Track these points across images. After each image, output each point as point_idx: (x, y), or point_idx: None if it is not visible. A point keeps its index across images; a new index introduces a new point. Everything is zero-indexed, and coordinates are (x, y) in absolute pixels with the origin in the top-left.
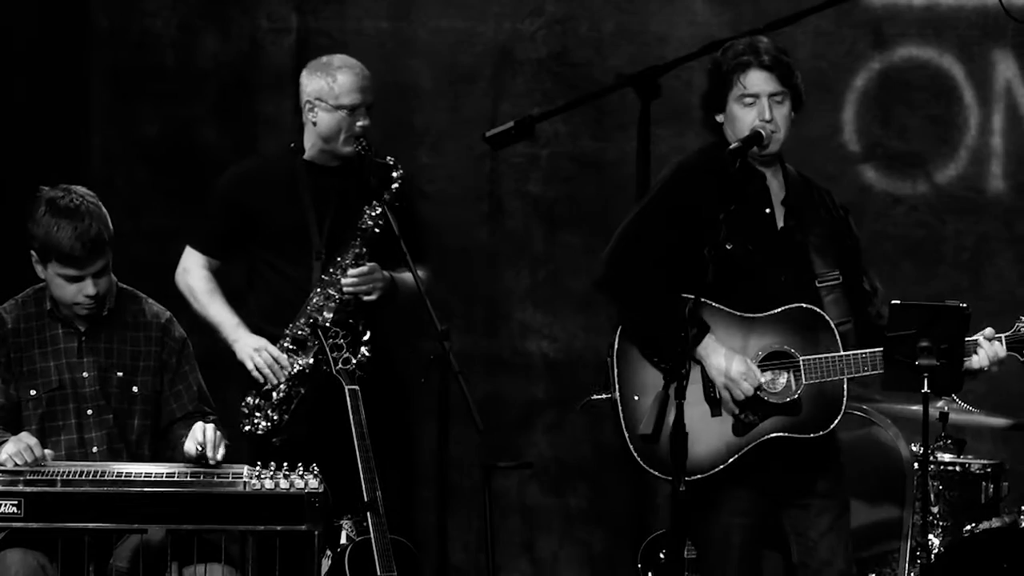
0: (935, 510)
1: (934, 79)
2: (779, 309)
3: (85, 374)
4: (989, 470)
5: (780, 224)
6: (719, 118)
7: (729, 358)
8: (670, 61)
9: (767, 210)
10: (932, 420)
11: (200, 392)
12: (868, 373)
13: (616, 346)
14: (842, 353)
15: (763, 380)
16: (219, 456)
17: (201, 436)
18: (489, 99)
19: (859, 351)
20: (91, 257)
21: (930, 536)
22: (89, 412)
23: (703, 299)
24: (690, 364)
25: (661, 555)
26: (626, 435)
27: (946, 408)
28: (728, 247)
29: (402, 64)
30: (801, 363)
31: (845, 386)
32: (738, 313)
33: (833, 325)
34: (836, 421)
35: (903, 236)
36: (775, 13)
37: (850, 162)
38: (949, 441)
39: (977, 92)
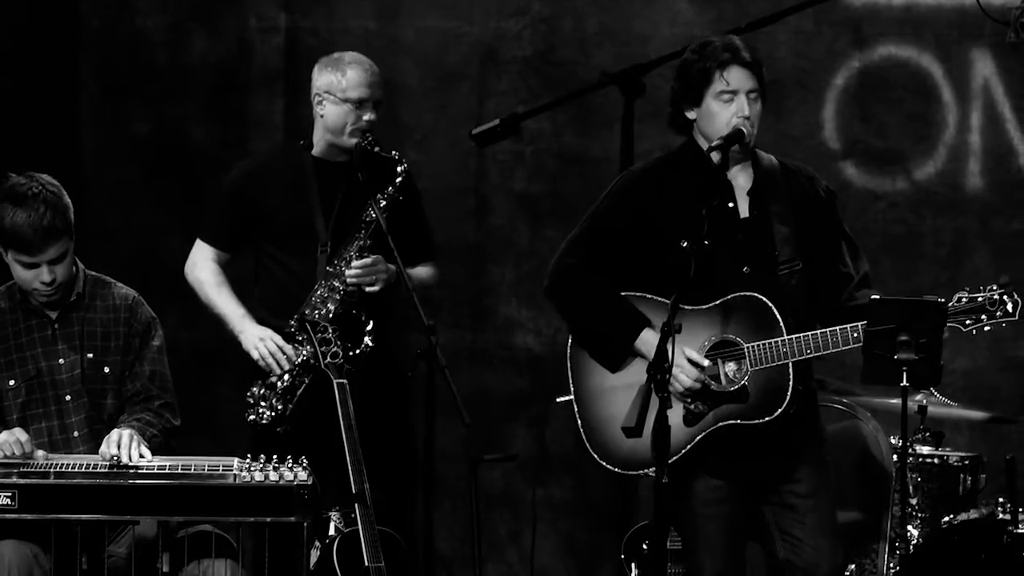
0: (914, 502)
1: (913, 77)
2: (720, 299)
3: (61, 361)
4: (967, 462)
5: (744, 214)
6: (691, 114)
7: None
8: (653, 60)
9: (730, 203)
10: (911, 413)
11: (153, 374)
12: (812, 356)
13: (568, 349)
14: (785, 338)
15: (705, 370)
16: (134, 458)
17: (116, 438)
18: (475, 97)
19: (801, 335)
20: (44, 245)
21: (909, 527)
22: (67, 398)
23: (646, 295)
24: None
25: (644, 546)
26: (582, 433)
27: (925, 401)
28: (684, 244)
29: (389, 63)
30: (746, 350)
31: (791, 370)
32: (686, 307)
33: (776, 311)
34: (784, 405)
35: (882, 232)
36: (756, 12)
37: (830, 159)
38: (928, 434)
39: (955, 90)
